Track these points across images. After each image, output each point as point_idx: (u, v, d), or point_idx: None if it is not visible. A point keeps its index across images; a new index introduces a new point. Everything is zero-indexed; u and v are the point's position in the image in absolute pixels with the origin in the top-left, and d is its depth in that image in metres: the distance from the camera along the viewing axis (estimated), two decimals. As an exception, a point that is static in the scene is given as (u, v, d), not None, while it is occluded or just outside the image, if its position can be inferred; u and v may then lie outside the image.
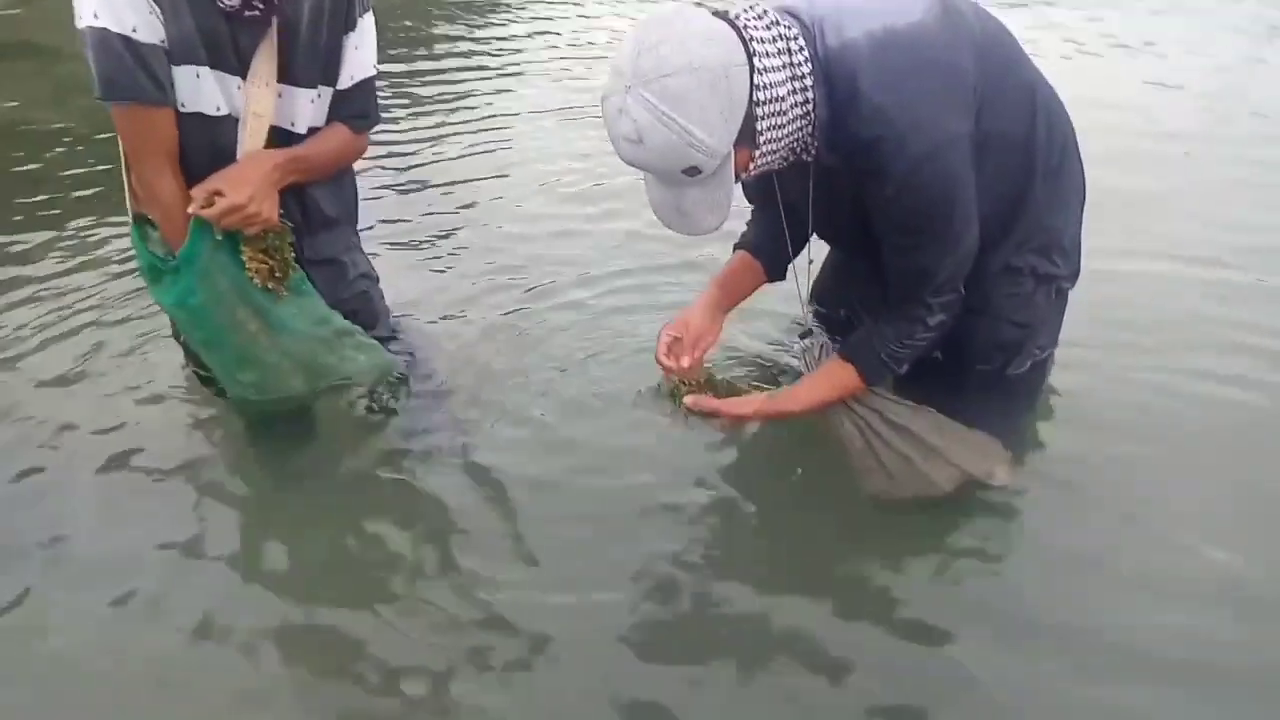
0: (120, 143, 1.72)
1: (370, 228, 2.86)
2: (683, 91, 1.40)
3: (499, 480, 2.05)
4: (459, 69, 4.88)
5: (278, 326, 1.86)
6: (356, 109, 1.89)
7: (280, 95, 1.76)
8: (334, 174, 1.94)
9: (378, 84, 1.94)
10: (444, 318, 2.65)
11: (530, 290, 2.81)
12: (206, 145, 1.72)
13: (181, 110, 1.68)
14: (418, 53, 4.99)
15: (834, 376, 1.83)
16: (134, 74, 1.59)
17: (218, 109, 1.71)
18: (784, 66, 1.50)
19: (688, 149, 1.43)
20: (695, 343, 1.89)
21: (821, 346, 2.12)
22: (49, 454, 2.12)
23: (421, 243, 3.12)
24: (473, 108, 4.36)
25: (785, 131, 1.54)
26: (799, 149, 1.61)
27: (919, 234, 1.63)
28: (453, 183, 3.57)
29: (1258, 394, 2.31)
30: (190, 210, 1.67)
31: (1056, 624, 1.72)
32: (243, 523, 1.96)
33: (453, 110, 4.31)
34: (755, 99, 1.47)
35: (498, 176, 3.66)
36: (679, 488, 2.02)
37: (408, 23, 5.59)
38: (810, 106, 1.54)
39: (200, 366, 2.04)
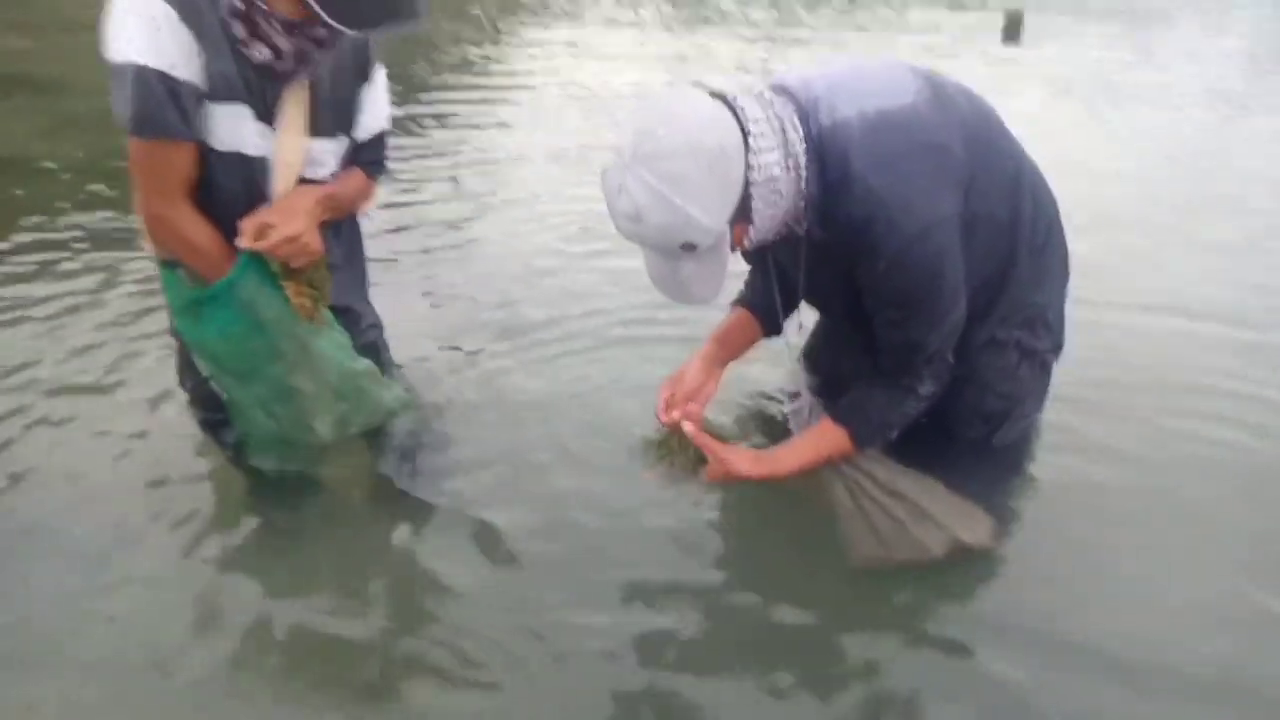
0: (135, 177, 1.71)
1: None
2: (681, 173, 1.44)
3: (495, 526, 2.06)
4: (445, 115, 4.96)
5: (318, 354, 1.88)
6: (372, 156, 1.96)
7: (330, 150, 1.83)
8: (347, 217, 2.01)
9: None
10: (431, 358, 2.69)
11: (521, 329, 2.86)
12: (242, 184, 1.74)
13: (219, 149, 1.70)
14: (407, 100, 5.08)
15: (825, 438, 1.85)
16: (167, 110, 1.59)
17: (255, 149, 1.74)
18: (778, 146, 1.55)
19: (685, 227, 1.47)
20: (693, 395, 1.92)
21: (810, 408, 2.15)
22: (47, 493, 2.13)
23: (411, 282, 3.17)
24: (459, 151, 4.45)
25: (779, 209, 1.58)
26: (792, 223, 1.65)
27: (909, 309, 1.67)
28: (443, 223, 3.65)
29: (1250, 438, 2.36)
30: (243, 244, 1.68)
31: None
32: (245, 565, 1.96)
33: (439, 154, 4.39)
34: (750, 179, 1.52)
35: (487, 216, 3.75)
36: (673, 537, 2.03)
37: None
38: (803, 184, 1.59)
39: (211, 410, 2.03)
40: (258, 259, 1.75)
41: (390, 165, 2.11)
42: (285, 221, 1.71)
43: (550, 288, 3.17)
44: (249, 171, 1.75)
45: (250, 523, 2.03)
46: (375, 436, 2.20)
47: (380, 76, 1.91)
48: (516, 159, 4.39)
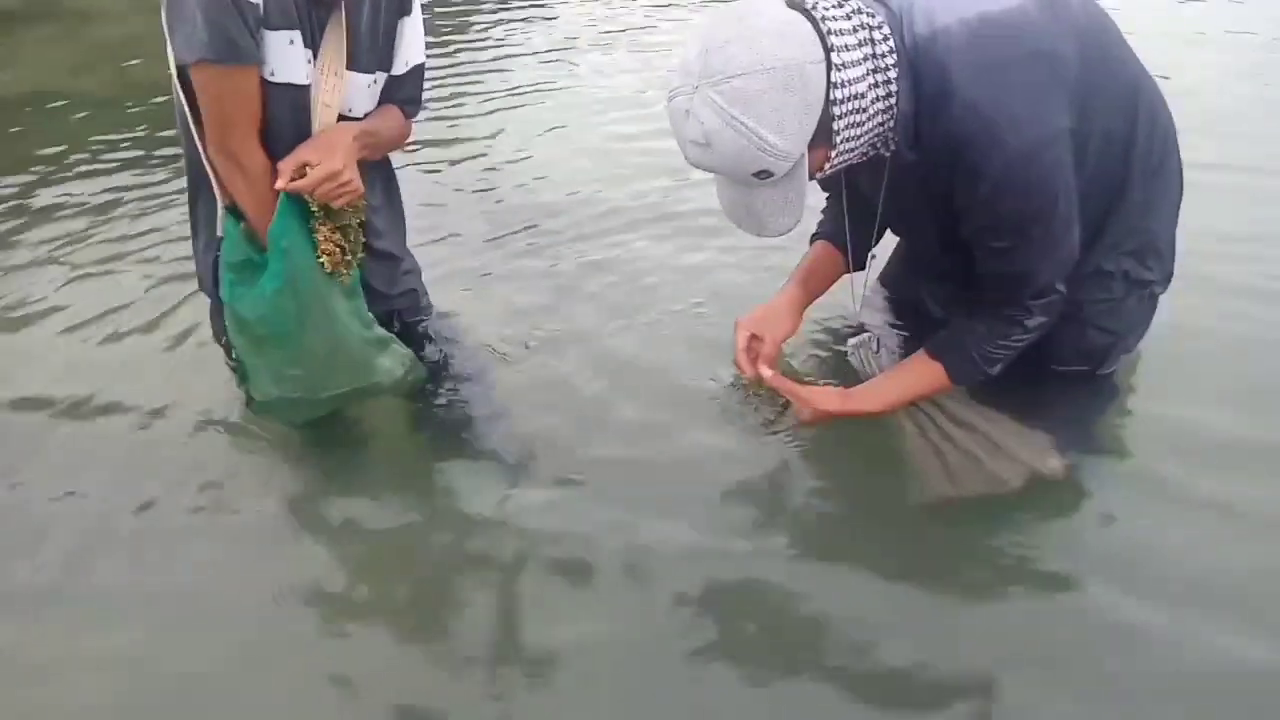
0: (207, 110, 1.60)
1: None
2: (753, 93, 1.29)
3: (544, 493, 1.90)
4: (479, 61, 4.71)
5: (333, 318, 1.78)
6: (409, 94, 1.85)
7: (370, 84, 1.73)
8: (383, 157, 1.90)
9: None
10: (473, 306, 2.52)
11: (562, 259, 2.72)
12: (291, 117, 1.66)
13: (271, 79, 1.61)
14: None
15: (918, 374, 1.71)
16: (242, 34, 1.51)
17: (306, 77, 1.65)
18: (865, 59, 1.37)
19: (758, 153, 1.32)
20: (776, 343, 1.79)
21: (877, 342, 2.00)
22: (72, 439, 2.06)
23: (448, 222, 3.01)
24: (496, 85, 4.22)
25: (864, 129, 1.42)
26: (878, 145, 1.48)
27: (1016, 236, 1.50)
28: (480, 163, 3.46)
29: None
30: (280, 185, 1.60)
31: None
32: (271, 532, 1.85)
33: (474, 88, 4.16)
34: (832, 97, 1.35)
35: (531, 151, 3.54)
36: (733, 496, 1.88)
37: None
38: (893, 101, 1.42)
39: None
40: (297, 202, 1.64)
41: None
42: (324, 158, 1.61)
43: (593, 218, 2.99)
44: (298, 104, 1.65)
45: (290, 476, 1.94)
46: (414, 392, 2.10)
47: (417, 8, 1.80)
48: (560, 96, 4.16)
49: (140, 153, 3.49)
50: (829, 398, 1.70)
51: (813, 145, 1.37)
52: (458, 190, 3.25)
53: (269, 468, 1.96)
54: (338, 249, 1.71)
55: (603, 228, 2.94)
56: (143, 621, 1.65)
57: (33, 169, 3.38)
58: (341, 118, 1.72)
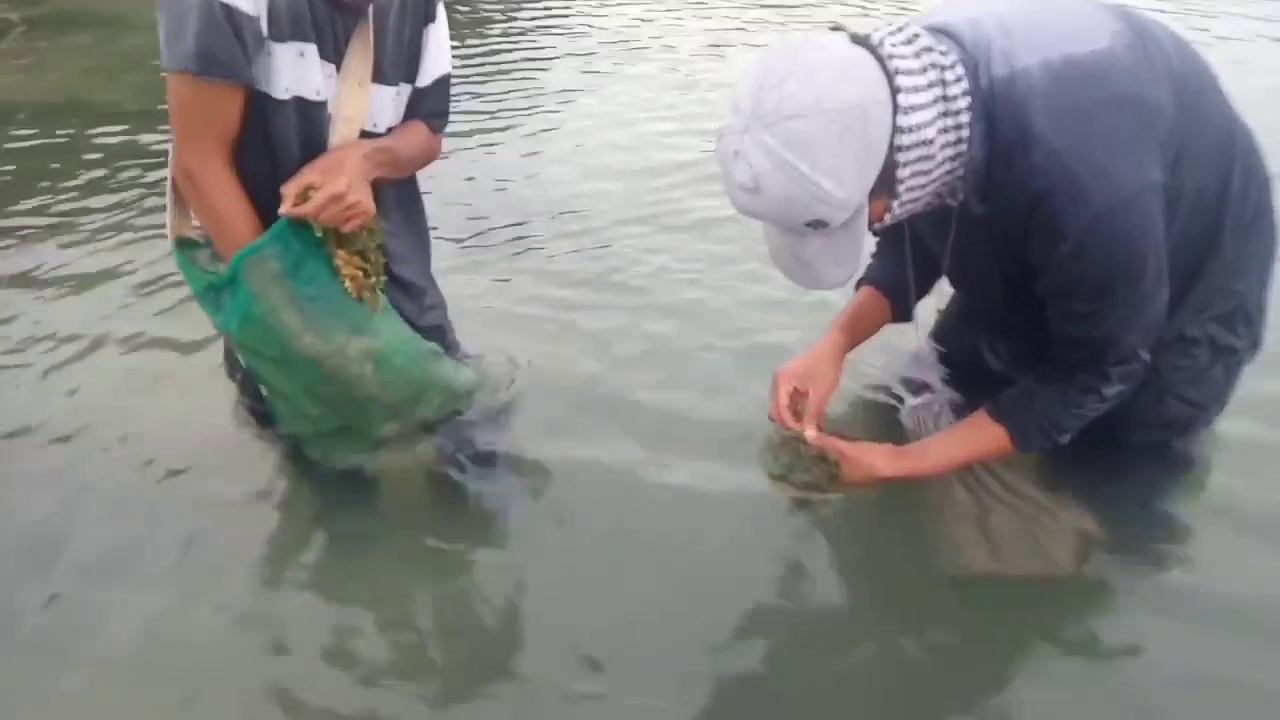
0: (177, 123, 1.52)
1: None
2: (810, 136, 1.16)
3: (567, 534, 1.79)
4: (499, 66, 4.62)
5: (373, 333, 1.66)
6: (435, 107, 1.74)
7: (395, 96, 1.62)
8: (409, 176, 1.79)
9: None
10: (499, 323, 2.41)
11: (601, 302, 2.56)
12: (302, 134, 1.55)
13: (277, 96, 1.50)
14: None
15: (978, 436, 1.55)
16: (232, 47, 1.42)
17: (317, 93, 1.54)
18: (935, 101, 1.24)
19: (813, 201, 1.19)
20: (823, 398, 1.64)
21: (941, 406, 1.85)
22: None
23: (471, 241, 2.90)
24: (520, 106, 4.11)
25: (931, 177, 1.28)
26: (944, 194, 1.34)
27: (1099, 299, 1.35)
28: (506, 179, 3.34)
29: None
30: (284, 210, 1.50)
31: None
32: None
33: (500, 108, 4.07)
34: (897, 143, 1.21)
35: (553, 163, 3.45)
36: (759, 557, 1.74)
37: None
38: (964, 147, 1.28)
39: (258, 399, 1.84)
40: (302, 228, 1.52)
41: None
42: (329, 178, 1.50)
43: (623, 239, 2.87)
44: (309, 120, 1.54)
45: (306, 521, 1.81)
46: (440, 425, 1.97)
47: (442, 14, 1.69)
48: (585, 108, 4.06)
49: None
50: (880, 457, 1.55)
51: (873, 195, 1.23)
52: (467, 204, 3.15)
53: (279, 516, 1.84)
54: (359, 272, 1.60)
55: (629, 241, 2.85)
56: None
57: (64, 180, 3.29)
58: (364, 134, 1.61)
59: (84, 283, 2.65)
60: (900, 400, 2.02)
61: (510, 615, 1.61)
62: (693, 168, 3.34)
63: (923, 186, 1.28)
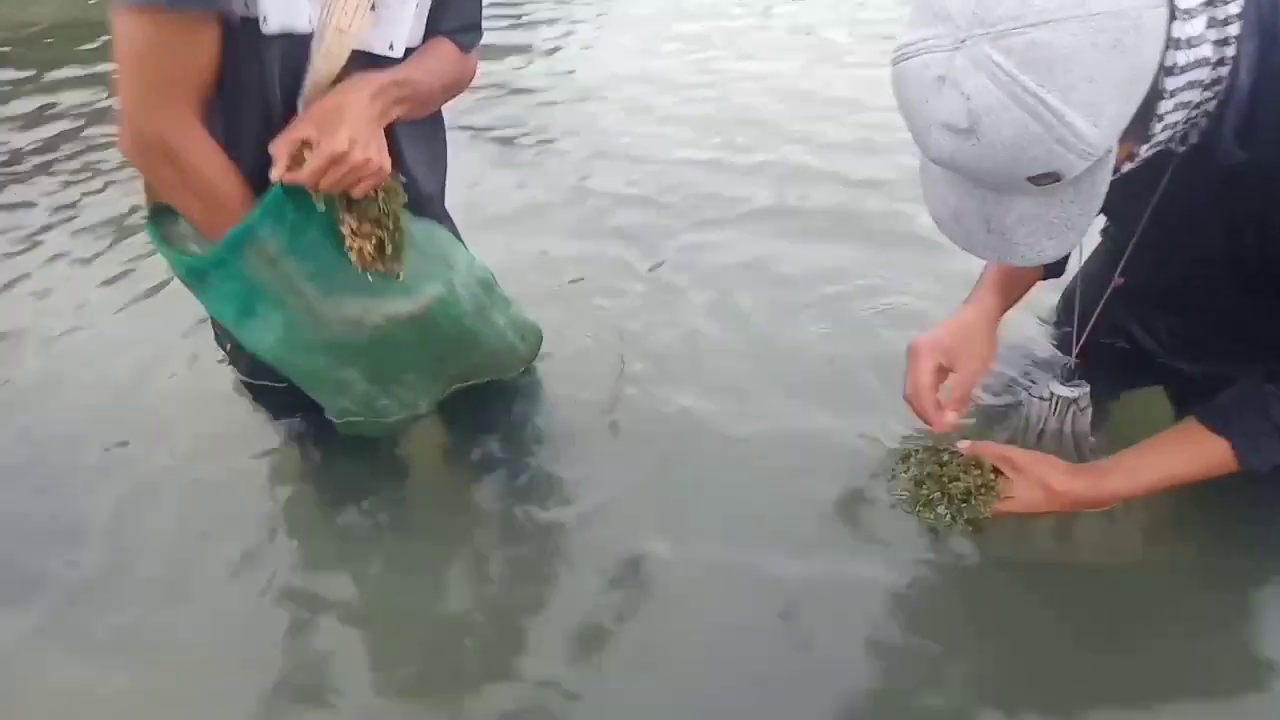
0: (130, 74, 1.16)
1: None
2: (1064, 52, 0.82)
3: (615, 545, 1.53)
4: None
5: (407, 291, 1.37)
6: (465, 18, 1.40)
7: (374, 6, 1.22)
8: (435, 112, 1.45)
9: None
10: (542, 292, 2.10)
11: (653, 253, 2.30)
12: (291, 78, 1.21)
13: (266, 31, 1.17)
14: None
15: (1187, 451, 1.23)
16: None
17: (310, 21, 1.18)
18: (1203, 6, 0.90)
19: (1054, 146, 0.86)
20: (970, 379, 1.33)
21: (1087, 396, 1.53)
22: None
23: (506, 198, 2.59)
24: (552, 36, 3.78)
25: (1191, 111, 0.96)
26: (1177, 136, 1.02)
27: None
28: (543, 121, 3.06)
29: None
30: (275, 175, 1.18)
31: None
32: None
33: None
34: (1168, 63, 0.88)
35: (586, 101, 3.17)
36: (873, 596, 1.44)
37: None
38: (1225, 70, 0.95)
39: (252, 373, 1.62)
40: (301, 195, 1.20)
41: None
42: (327, 133, 1.17)
43: (674, 189, 2.62)
44: (301, 60, 1.20)
45: (316, 499, 1.65)
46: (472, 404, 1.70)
47: None
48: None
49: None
50: (1058, 471, 1.23)
51: (1123, 137, 0.91)
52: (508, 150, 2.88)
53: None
54: (370, 242, 1.27)
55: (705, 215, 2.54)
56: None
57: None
58: (375, 60, 1.25)
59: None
60: (1009, 386, 1.69)
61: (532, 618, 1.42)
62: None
63: (1177, 125, 0.96)
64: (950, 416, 1.31)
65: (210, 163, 1.21)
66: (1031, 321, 1.78)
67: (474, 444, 1.72)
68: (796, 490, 1.58)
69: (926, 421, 1.33)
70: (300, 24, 1.18)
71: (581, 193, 2.69)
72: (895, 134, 2.66)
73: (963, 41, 0.85)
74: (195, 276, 1.28)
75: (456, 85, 1.41)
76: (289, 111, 1.23)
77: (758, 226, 2.47)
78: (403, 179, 1.31)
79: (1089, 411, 1.46)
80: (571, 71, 3.70)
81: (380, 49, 1.26)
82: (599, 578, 1.46)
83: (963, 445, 1.27)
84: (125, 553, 1.55)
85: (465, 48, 1.40)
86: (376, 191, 1.25)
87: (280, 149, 1.18)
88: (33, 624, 1.44)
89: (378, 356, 1.39)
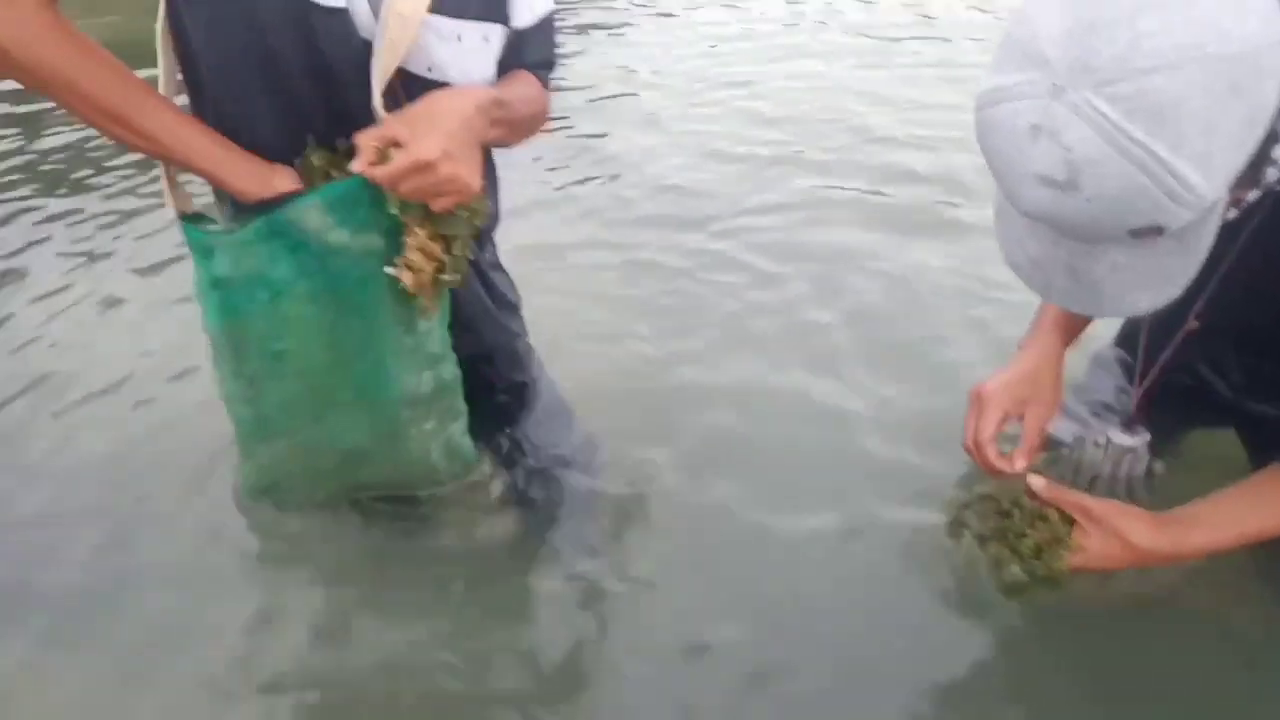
0: None
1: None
2: (1177, 99, 0.76)
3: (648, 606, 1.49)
4: None
5: (377, 364, 1.27)
6: (542, 53, 1.32)
7: (459, 37, 1.16)
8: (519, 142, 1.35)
9: None
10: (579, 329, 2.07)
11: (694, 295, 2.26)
12: (304, 59, 1.10)
13: None
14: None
15: (1273, 502, 1.16)
16: None
17: None
18: None
19: (1161, 199, 0.79)
20: (1039, 425, 1.27)
21: (1137, 447, 1.45)
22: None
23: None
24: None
25: None
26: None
27: None
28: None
29: None
30: (357, 166, 1.09)
31: None
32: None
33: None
34: None
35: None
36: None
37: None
38: None
39: None
40: (376, 192, 1.11)
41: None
42: (418, 136, 1.06)
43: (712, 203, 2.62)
44: (312, 38, 1.08)
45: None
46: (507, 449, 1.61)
47: None
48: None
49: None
50: (1140, 524, 1.16)
51: (1238, 182, 0.84)
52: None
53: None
54: (432, 263, 1.17)
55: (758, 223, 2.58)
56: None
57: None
58: (418, 81, 1.15)
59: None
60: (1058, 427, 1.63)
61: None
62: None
63: None
64: (1021, 464, 1.25)
65: (68, 60, 1.03)
66: (1085, 356, 1.71)
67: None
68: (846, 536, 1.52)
69: (990, 473, 1.27)
70: None
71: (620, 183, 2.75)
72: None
73: (1061, 88, 0.79)
74: (202, 251, 1.18)
75: (537, 119, 1.34)
76: (314, 94, 1.13)
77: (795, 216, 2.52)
78: (490, 205, 1.23)
79: (1145, 460, 1.40)
80: (621, 66, 3.81)
81: (452, 74, 1.18)
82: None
83: (1035, 485, 1.20)
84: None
85: (545, 82, 1.34)
86: (458, 209, 1.16)
87: (367, 139, 1.10)
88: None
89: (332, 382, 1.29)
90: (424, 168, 1.06)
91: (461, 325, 1.35)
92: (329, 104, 1.14)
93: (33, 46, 1.00)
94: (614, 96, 3.55)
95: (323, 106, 1.14)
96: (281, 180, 1.13)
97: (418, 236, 1.16)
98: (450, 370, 1.35)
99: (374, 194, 1.12)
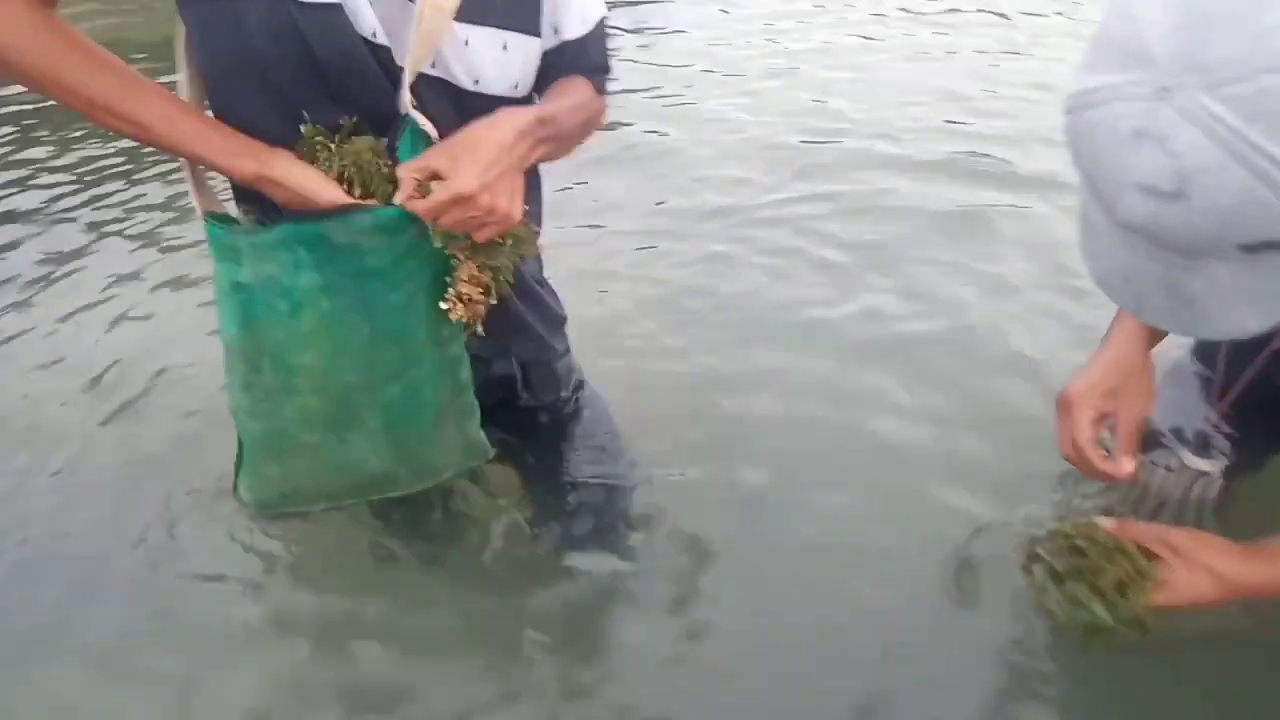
0: None
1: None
2: None
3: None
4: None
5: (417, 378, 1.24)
6: (597, 58, 1.27)
7: (467, 42, 1.10)
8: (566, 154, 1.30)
9: None
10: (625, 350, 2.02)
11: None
12: (296, 60, 1.04)
13: None
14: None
15: None
16: None
17: None
18: None
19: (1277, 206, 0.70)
20: (1132, 426, 1.19)
21: (1214, 472, 1.36)
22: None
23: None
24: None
25: None
26: None
27: None
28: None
29: None
30: (400, 198, 1.07)
31: None
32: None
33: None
34: None
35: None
36: None
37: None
38: None
39: None
40: (419, 222, 1.09)
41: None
42: (459, 168, 1.03)
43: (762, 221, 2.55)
44: (310, 35, 1.02)
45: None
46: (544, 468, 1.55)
47: None
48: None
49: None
50: (1234, 560, 1.08)
51: None
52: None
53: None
54: (479, 291, 1.14)
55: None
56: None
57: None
58: (437, 83, 1.11)
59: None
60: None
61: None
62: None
63: None
64: (1129, 465, 1.17)
65: (70, 72, 1.02)
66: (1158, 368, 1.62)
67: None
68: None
69: (1097, 478, 1.19)
70: None
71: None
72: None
73: (1169, 89, 0.71)
74: (226, 251, 1.14)
75: (590, 126, 1.29)
76: (324, 88, 1.08)
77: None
78: (537, 229, 1.19)
79: (1218, 485, 1.31)
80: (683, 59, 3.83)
81: (457, 76, 1.13)
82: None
83: (1106, 526, 1.12)
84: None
85: (601, 87, 1.29)
86: (504, 238, 1.13)
87: (408, 171, 1.07)
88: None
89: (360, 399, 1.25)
90: (465, 202, 1.04)
91: (498, 340, 1.30)
92: (333, 101, 1.10)
93: (24, 51, 1.00)
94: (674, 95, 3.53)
95: (326, 103, 1.10)
96: (279, 160, 1.08)
97: (465, 267, 1.13)
98: (466, 369, 1.31)
99: (417, 224, 1.10)
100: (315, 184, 1.07)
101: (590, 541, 1.51)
